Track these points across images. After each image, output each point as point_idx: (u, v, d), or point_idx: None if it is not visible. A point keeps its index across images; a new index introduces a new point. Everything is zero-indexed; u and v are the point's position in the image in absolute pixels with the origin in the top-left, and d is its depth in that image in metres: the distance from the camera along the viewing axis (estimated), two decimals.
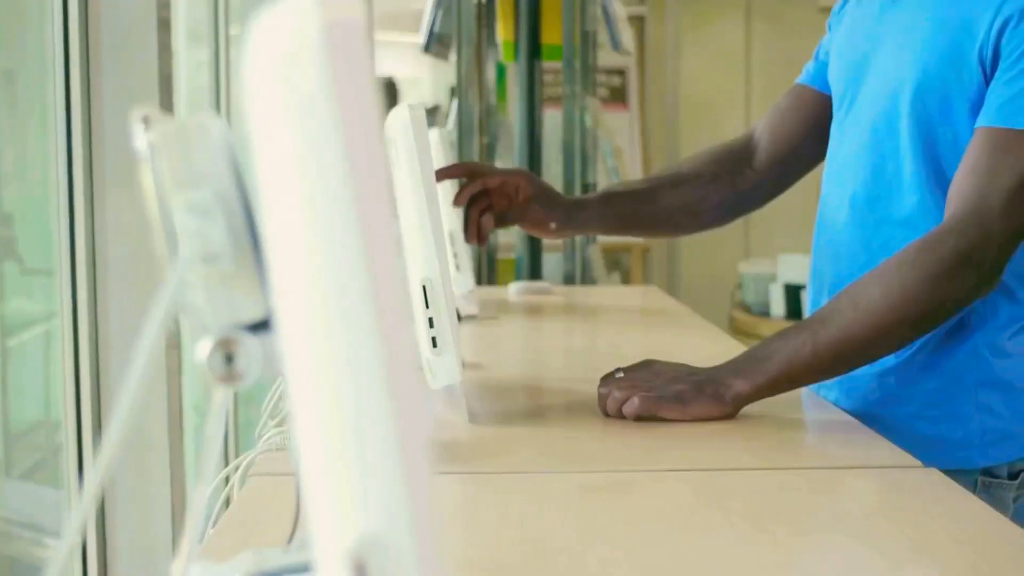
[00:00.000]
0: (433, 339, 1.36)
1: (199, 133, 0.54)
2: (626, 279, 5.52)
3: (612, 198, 1.75)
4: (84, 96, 1.48)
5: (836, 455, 1.29)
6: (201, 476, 0.57)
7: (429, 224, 1.35)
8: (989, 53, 1.36)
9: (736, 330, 5.12)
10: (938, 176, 1.42)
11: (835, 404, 1.50)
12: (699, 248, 6.18)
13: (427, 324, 1.36)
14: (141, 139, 0.56)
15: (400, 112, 1.35)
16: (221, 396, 0.59)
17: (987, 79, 1.37)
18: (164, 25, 1.74)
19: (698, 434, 1.30)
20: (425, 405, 0.44)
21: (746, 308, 5.25)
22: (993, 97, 1.36)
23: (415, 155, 1.33)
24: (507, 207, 1.67)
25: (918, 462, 1.20)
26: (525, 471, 1.19)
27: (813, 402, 1.50)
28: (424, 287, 1.36)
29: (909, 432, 1.43)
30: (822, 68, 1.65)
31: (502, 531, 1.02)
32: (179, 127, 0.54)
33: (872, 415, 1.44)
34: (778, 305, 4.98)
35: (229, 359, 0.56)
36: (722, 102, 6.69)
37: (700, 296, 6.56)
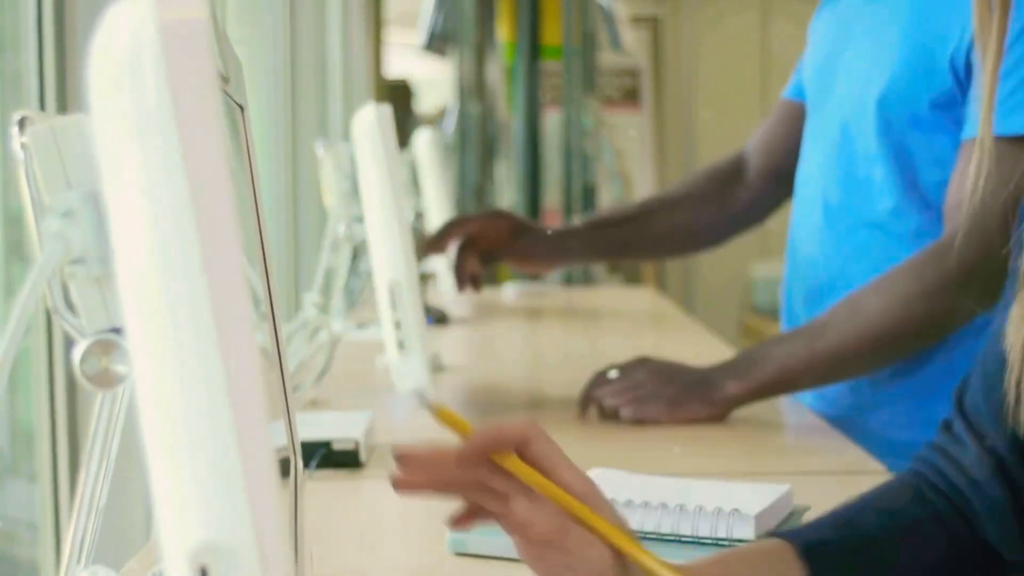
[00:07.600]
0: (400, 342, 1.36)
1: (72, 133, 0.54)
2: (639, 279, 5.51)
3: (601, 225, 1.73)
4: (60, 94, 1.48)
5: (802, 461, 1.28)
6: (86, 491, 0.56)
7: (396, 226, 1.34)
8: (963, 59, 1.34)
9: (746, 331, 5.10)
10: (910, 178, 1.40)
11: (810, 408, 1.49)
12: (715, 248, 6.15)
13: (394, 327, 1.36)
14: (16, 141, 0.55)
15: (366, 114, 1.34)
16: (103, 399, 0.58)
17: (960, 84, 1.35)
18: None
19: (668, 437, 1.29)
20: (268, 412, 0.43)
21: (756, 310, 5.23)
22: (977, 104, 1.34)
23: (381, 157, 1.33)
24: (491, 247, 1.64)
25: (882, 467, 1.19)
26: None
27: (791, 406, 1.49)
28: (391, 289, 1.35)
29: (884, 438, 1.41)
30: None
31: (422, 536, 1.01)
32: (51, 128, 0.53)
33: (847, 420, 1.42)
34: None
35: (105, 362, 0.55)
36: (738, 102, 6.65)
37: (716, 297, 6.53)
